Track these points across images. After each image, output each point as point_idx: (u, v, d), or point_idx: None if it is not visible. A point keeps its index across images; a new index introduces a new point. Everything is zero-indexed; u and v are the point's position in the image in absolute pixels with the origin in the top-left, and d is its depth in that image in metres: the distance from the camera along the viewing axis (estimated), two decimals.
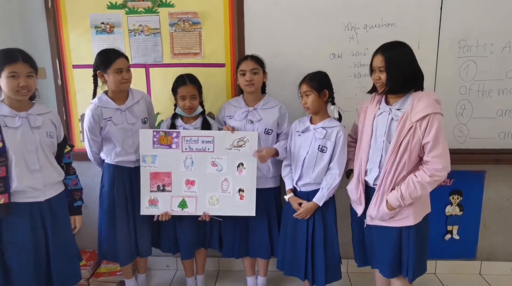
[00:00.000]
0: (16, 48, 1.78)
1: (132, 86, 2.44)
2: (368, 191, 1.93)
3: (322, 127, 2.05)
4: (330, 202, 2.11)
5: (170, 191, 2.20)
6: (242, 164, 2.18)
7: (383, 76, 1.78)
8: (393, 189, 1.81)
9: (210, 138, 2.18)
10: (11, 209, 1.76)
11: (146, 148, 2.17)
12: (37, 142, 1.82)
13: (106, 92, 2.16)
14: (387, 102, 1.86)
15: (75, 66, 2.49)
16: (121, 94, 2.15)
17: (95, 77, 2.12)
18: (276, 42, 2.40)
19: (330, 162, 2.06)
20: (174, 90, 2.21)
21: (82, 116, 2.42)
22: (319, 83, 2.02)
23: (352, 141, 2.13)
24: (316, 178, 2.07)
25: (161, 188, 2.20)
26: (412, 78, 1.77)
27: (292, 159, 2.18)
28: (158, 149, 2.17)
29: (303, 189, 2.13)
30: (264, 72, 2.19)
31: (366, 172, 1.91)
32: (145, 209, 2.21)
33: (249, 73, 2.12)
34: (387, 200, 1.81)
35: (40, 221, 1.85)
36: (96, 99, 2.14)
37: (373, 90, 1.93)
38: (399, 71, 1.75)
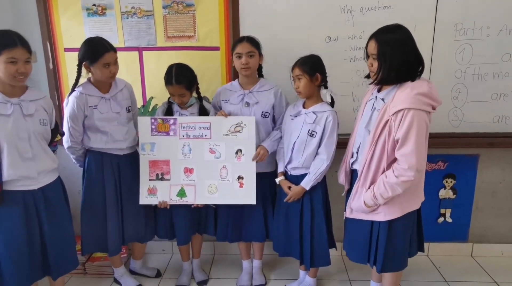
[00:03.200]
0: (12, 30, 1.71)
1: (125, 70, 2.42)
2: (354, 175, 1.94)
3: (313, 112, 2.04)
4: (319, 186, 2.10)
5: (169, 180, 2.17)
6: (240, 150, 2.15)
7: (375, 64, 1.69)
8: (372, 183, 1.75)
9: (207, 124, 2.15)
10: (2, 199, 1.74)
11: (145, 136, 2.15)
12: (30, 130, 1.78)
13: (89, 79, 2.11)
14: (379, 89, 1.80)
15: (66, 49, 2.44)
16: (105, 82, 2.10)
17: (79, 66, 2.04)
18: (271, 25, 2.36)
19: (319, 147, 2.05)
20: (165, 83, 2.15)
21: None
22: (311, 67, 1.99)
23: None
24: (304, 162, 2.07)
25: (160, 176, 2.17)
26: (407, 68, 1.65)
27: (284, 143, 2.18)
28: (157, 136, 2.15)
29: (293, 172, 2.14)
30: (260, 54, 2.15)
31: (352, 155, 1.92)
32: (144, 198, 2.18)
33: (245, 56, 2.08)
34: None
35: (34, 209, 1.83)
36: (80, 87, 2.07)
37: (369, 75, 1.87)
38: (392, 62, 1.63)
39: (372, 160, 1.74)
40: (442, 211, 2.69)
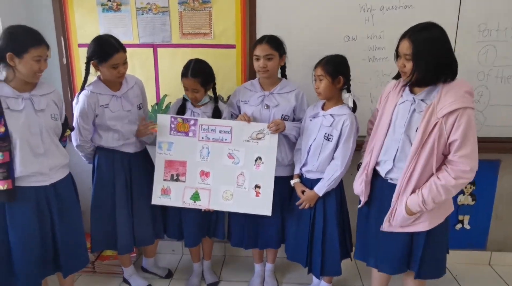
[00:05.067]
0: (32, 28, 1.70)
1: (139, 66, 2.39)
2: (376, 183, 1.83)
3: (331, 114, 1.97)
4: (333, 193, 2.02)
5: (184, 182, 2.12)
6: (260, 158, 2.08)
7: (409, 65, 1.59)
8: (413, 191, 1.64)
9: (228, 128, 2.08)
10: (15, 196, 1.71)
11: (163, 134, 2.10)
12: (42, 125, 1.76)
13: (99, 77, 2.06)
14: (411, 90, 1.69)
15: (80, 45, 2.41)
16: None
17: (87, 64, 1.99)
18: (289, 23, 2.31)
19: (335, 151, 1.98)
20: (181, 76, 2.11)
21: None
22: (334, 68, 1.91)
23: (371, 129, 2.03)
24: (318, 166, 2.00)
25: (175, 177, 2.12)
26: (443, 69, 1.56)
27: (302, 144, 2.11)
28: (175, 136, 2.10)
29: (308, 176, 2.07)
30: (281, 56, 2.06)
31: (378, 163, 1.80)
32: (157, 198, 2.13)
33: (263, 59, 2.00)
34: (406, 204, 1.66)
35: (46, 205, 1.81)
36: (91, 86, 2.03)
37: (399, 76, 1.75)
38: (428, 62, 1.54)
39: (416, 167, 1.62)
40: (460, 217, 2.61)
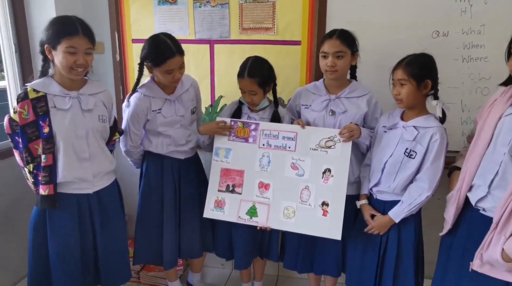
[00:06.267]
0: (75, 16, 1.54)
1: (193, 64, 2.21)
2: (465, 210, 1.48)
3: (414, 126, 1.62)
4: (411, 220, 1.67)
5: (240, 194, 1.86)
6: (329, 170, 1.77)
7: None
8: None
9: (292, 134, 1.81)
10: (56, 202, 1.58)
11: (221, 139, 1.88)
12: (88, 126, 1.62)
13: (153, 78, 1.87)
14: None
15: (134, 41, 2.27)
16: None
17: (141, 65, 1.81)
18: (363, 16, 2.00)
19: (418, 171, 1.63)
20: (237, 76, 1.87)
21: None
22: (420, 70, 1.57)
23: (472, 137, 1.66)
24: (395, 188, 1.66)
25: (231, 188, 1.88)
26: None
27: (372, 160, 1.78)
28: (234, 141, 1.87)
29: (379, 197, 1.74)
30: (354, 54, 1.75)
31: (471, 187, 1.44)
32: (209, 211, 1.89)
33: (331, 56, 1.70)
34: (503, 248, 1.29)
35: (88, 215, 1.68)
36: (143, 88, 1.85)
37: (509, 81, 1.42)
38: None
39: None
40: None
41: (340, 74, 1.75)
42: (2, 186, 2.04)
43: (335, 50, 1.70)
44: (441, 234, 1.58)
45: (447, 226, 1.54)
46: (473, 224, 1.44)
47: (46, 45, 1.51)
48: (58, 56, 1.50)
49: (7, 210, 2.07)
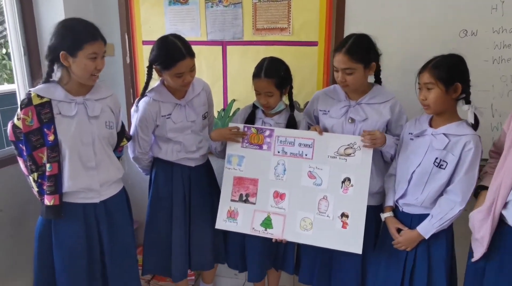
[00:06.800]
0: (84, 19, 1.49)
1: (205, 67, 2.12)
2: (499, 229, 1.35)
3: (444, 134, 1.50)
4: (442, 235, 1.54)
5: (254, 204, 1.77)
6: (348, 179, 1.67)
7: None
8: None
9: (309, 141, 1.71)
10: (62, 212, 1.53)
11: (234, 146, 1.79)
12: (94, 133, 1.55)
13: (162, 81, 1.79)
14: None
15: (144, 42, 2.20)
16: None
17: (149, 68, 1.74)
18: (385, 14, 1.87)
19: (449, 183, 1.51)
20: (253, 77, 1.78)
21: None
22: (449, 73, 1.45)
23: (495, 152, 1.54)
24: (424, 201, 1.54)
25: (244, 198, 1.79)
26: None
27: (398, 169, 1.66)
28: (247, 148, 1.78)
29: (406, 210, 1.62)
30: (368, 65, 1.61)
31: (506, 204, 1.32)
32: (222, 222, 1.80)
33: (341, 72, 1.60)
34: None
35: (95, 225, 1.62)
36: (152, 92, 1.77)
37: None
38: None
39: None
40: None
41: (353, 87, 1.65)
42: (9, 192, 1.99)
43: (344, 67, 1.59)
44: (473, 260, 1.43)
45: (481, 249, 1.39)
46: (508, 244, 1.31)
47: (62, 52, 1.43)
48: (79, 63, 1.45)
49: (14, 216, 2.02)
